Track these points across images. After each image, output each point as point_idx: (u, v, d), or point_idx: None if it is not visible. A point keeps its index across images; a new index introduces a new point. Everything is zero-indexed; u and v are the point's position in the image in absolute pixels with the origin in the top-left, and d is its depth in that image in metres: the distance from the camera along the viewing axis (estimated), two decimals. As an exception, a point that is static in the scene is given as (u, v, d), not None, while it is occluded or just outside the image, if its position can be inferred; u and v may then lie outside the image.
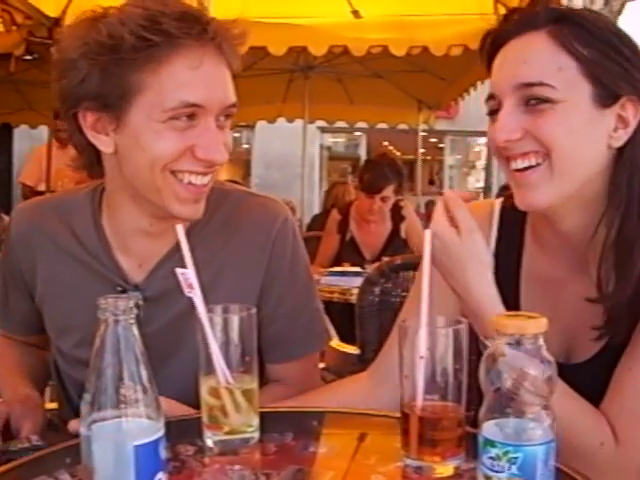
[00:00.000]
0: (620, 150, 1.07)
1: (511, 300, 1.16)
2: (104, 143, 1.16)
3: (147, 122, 1.11)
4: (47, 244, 1.30)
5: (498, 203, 1.27)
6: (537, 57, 1.05)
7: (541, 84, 1.04)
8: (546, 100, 1.04)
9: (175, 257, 1.23)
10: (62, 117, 1.19)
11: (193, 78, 1.10)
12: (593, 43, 1.04)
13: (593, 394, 1.09)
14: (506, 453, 0.74)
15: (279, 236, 1.31)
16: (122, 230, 1.28)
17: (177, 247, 1.22)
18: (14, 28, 4.29)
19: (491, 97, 1.11)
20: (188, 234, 1.20)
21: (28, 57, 5.17)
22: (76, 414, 1.23)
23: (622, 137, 1.07)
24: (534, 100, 1.04)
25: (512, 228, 1.23)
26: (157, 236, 1.26)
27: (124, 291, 1.27)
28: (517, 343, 0.75)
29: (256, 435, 1.00)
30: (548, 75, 1.04)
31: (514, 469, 0.74)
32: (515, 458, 0.74)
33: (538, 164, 1.06)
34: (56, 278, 1.31)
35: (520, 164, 1.07)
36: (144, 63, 1.08)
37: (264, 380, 1.34)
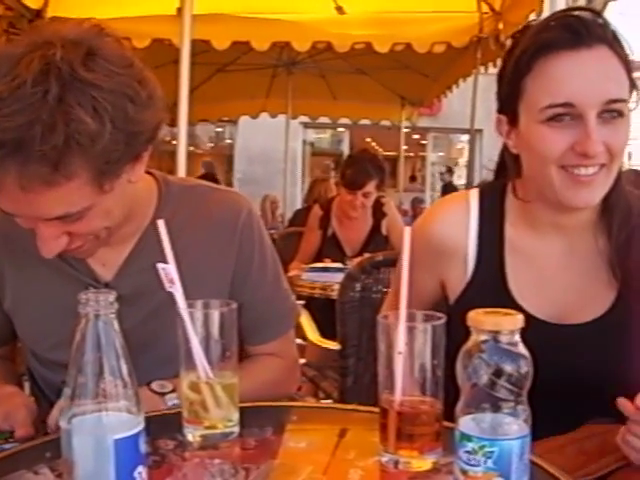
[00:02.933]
0: None
1: (496, 270, 1.28)
2: None
3: None
4: (16, 251, 1.29)
5: (474, 190, 1.35)
6: (618, 75, 1.13)
7: (622, 100, 1.12)
8: (620, 114, 1.12)
9: (141, 254, 1.26)
10: None
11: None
12: (626, 54, 1.14)
13: (594, 354, 1.20)
14: (482, 447, 0.75)
15: (245, 227, 1.34)
16: None
17: (141, 244, 1.27)
18: (-6, 19, 4.25)
19: (566, 105, 1.11)
20: (152, 231, 1.19)
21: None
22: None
23: None
24: (610, 113, 1.11)
25: (492, 206, 1.31)
26: (118, 242, 1.26)
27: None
28: (493, 339, 0.76)
29: (236, 430, 1.01)
30: (624, 91, 1.13)
31: (490, 463, 0.75)
32: (491, 452, 0.75)
33: (600, 169, 1.14)
34: (27, 284, 1.30)
35: (591, 170, 1.13)
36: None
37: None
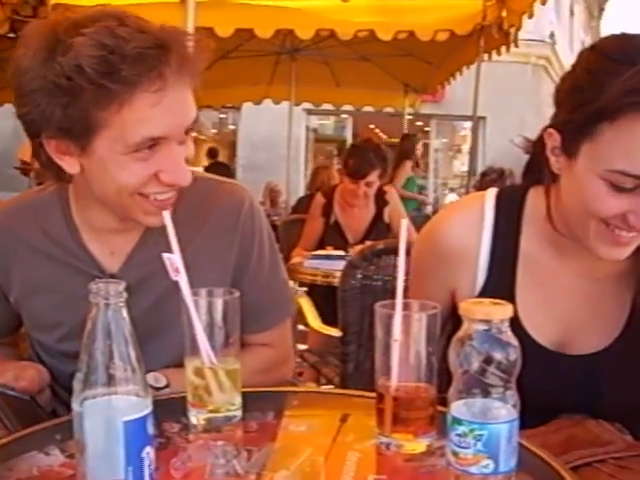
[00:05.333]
0: None
1: (506, 287, 1.22)
2: (69, 164, 1.16)
3: (111, 154, 1.12)
4: (20, 247, 1.32)
5: (490, 193, 1.28)
6: None
7: None
8: None
9: (147, 244, 1.29)
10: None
11: (154, 114, 1.10)
12: None
13: (585, 386, 1.18)
14: (472, 430, 0.79)
15: (247, 220, 1.37)
16: (92, 223, 1.30)
17: (148, 233, 1.28)
18: (-2, 6, 4.26)
19: (629, 175, 1.02)
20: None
21: (12, 35, 5.14)
22: (59, 402, 1.28)
23: None
24: None
25: (509, 215, 1.24)
26: (128, 230, 1.30)
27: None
28: (484, 328, 0.79)
29: (239, 413, 1.05)
30: None
31: (479, 445, 0.78)
32: (480, 435, 0.78)
33: None
34: (34, 279, 1.32)
35: (632, 234, 1.08)
36: (106, 104, 1.08)
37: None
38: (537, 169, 1.21)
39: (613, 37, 1.10)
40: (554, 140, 1.13)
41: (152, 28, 1.11)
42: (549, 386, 1.11)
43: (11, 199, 1.43)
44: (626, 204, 1.04)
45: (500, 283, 1.22)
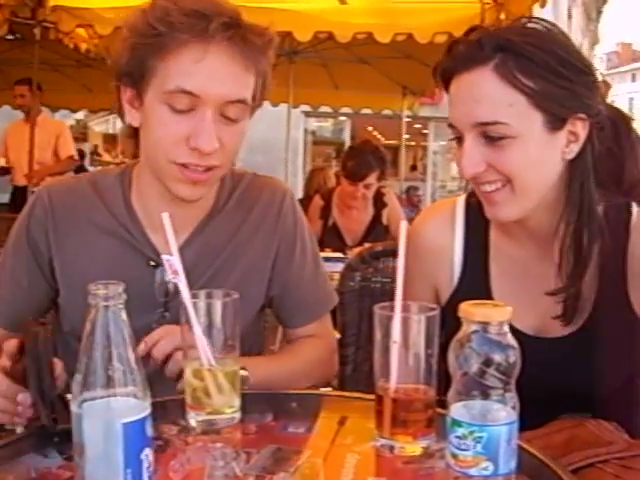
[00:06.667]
0: (573, 160, 1.16)
1: (481, 277, 1.29)
2: (134, 117, 1.27)
3: (154, 104, 1.21)
4: (81, 221, 1.36)
5: (461, 199, 1.36)
6: (488, 96, 1.11)
7: (495, 123, 1.10)
8: (503, 136, 1.11)
9: (204, 231, 1.36)
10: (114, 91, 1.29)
11: (194, 70, 1.18)
12: (538, 73, 1.09)
13: (567, 368, 1.20)
14: (472, 432, 0.79)
15: (288, 211, 1.44)
16: (150, 208, 1.35)
17: (205, 222, 1.37)
18: (-3, 8, 4.27)
19: (451, 126, 1.18)
20: (211, 216, 1.36)
21: (10, 37, 5.14)
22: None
23: (574, 150, 1.15)
24: (492, 135, 1.11)
25: (479, 215, 1.27)
26: (181, 215, 1.31)
27: (157, 265, 1.33)
28: (483, 330, 0.79)
29: (237, 415, 1.05)
30: (500, 113, 1.10)
31: (479, 447, 0.79)
32: (480, 437, 0.78)
33: (503, 186, 1.15)
34: (89, 253, 1.35)
35: (487, 188, 1.16)
36: (157, 50, 1.18)
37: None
38: None
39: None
40: None
41: (225, 2, 1.24)
42: (525, 369, 1.12)
43: (78, 176, 1.55)
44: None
45: (475, 275, 1.29)
